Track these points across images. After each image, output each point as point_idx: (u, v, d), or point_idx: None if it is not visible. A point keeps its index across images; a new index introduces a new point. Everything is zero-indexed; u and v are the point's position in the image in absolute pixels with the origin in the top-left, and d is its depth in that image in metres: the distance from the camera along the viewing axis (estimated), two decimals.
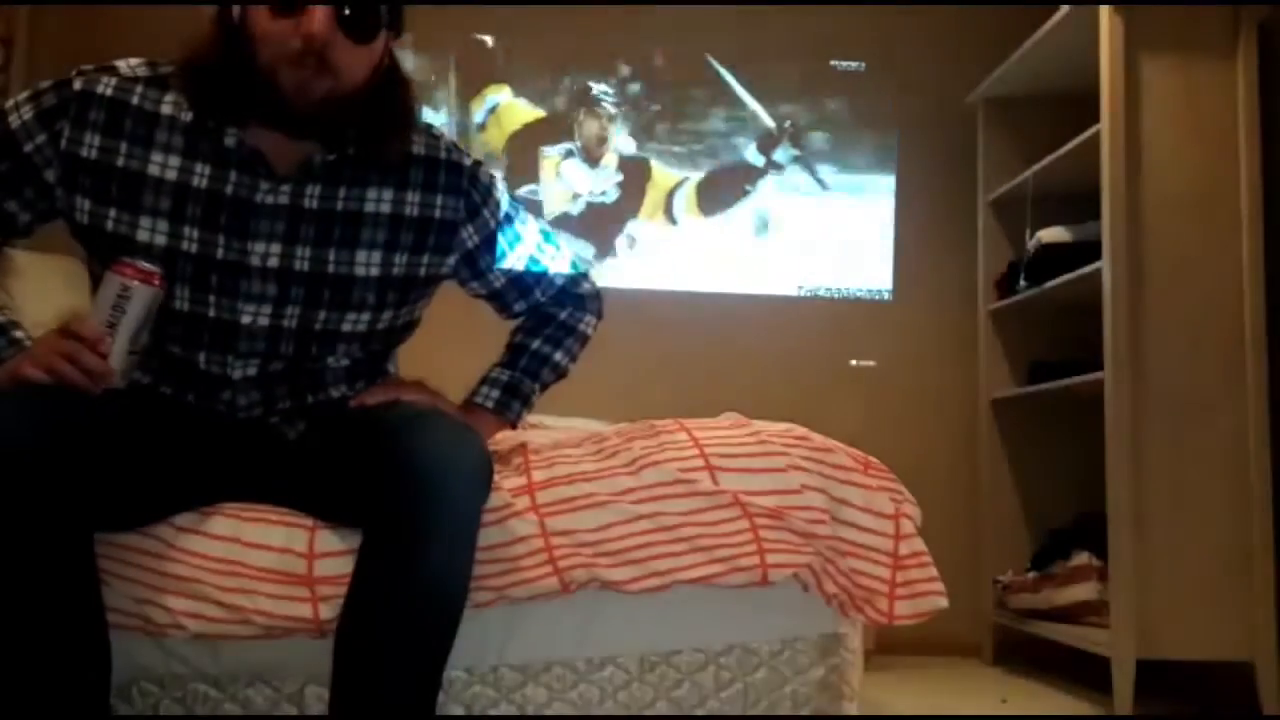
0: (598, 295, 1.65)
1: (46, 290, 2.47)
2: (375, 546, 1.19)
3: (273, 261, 1.30)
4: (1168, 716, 2.50)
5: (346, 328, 1.37)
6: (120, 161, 1.27)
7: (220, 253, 1.29)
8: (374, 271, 1.36)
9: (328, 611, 1.26)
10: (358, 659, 1.16)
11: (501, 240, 1.49)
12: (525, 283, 1.55)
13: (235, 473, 1.36)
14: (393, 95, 1.33)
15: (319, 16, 1.18)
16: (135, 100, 1.29)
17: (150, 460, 1.27)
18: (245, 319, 1.31)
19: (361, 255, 1.34)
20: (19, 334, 1.28)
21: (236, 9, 1.24)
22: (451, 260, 1.45)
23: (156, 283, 1.22)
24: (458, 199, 1.41)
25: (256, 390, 1.36)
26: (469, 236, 1.45)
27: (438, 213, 1.40)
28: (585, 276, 1.63)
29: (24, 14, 2.95)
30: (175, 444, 1.31)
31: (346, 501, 1.28)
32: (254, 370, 1.34)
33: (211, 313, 1.30)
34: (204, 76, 1.25)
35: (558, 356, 1.56)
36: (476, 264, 1.48)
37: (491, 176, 1.48)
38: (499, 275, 1.52)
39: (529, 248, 1.54)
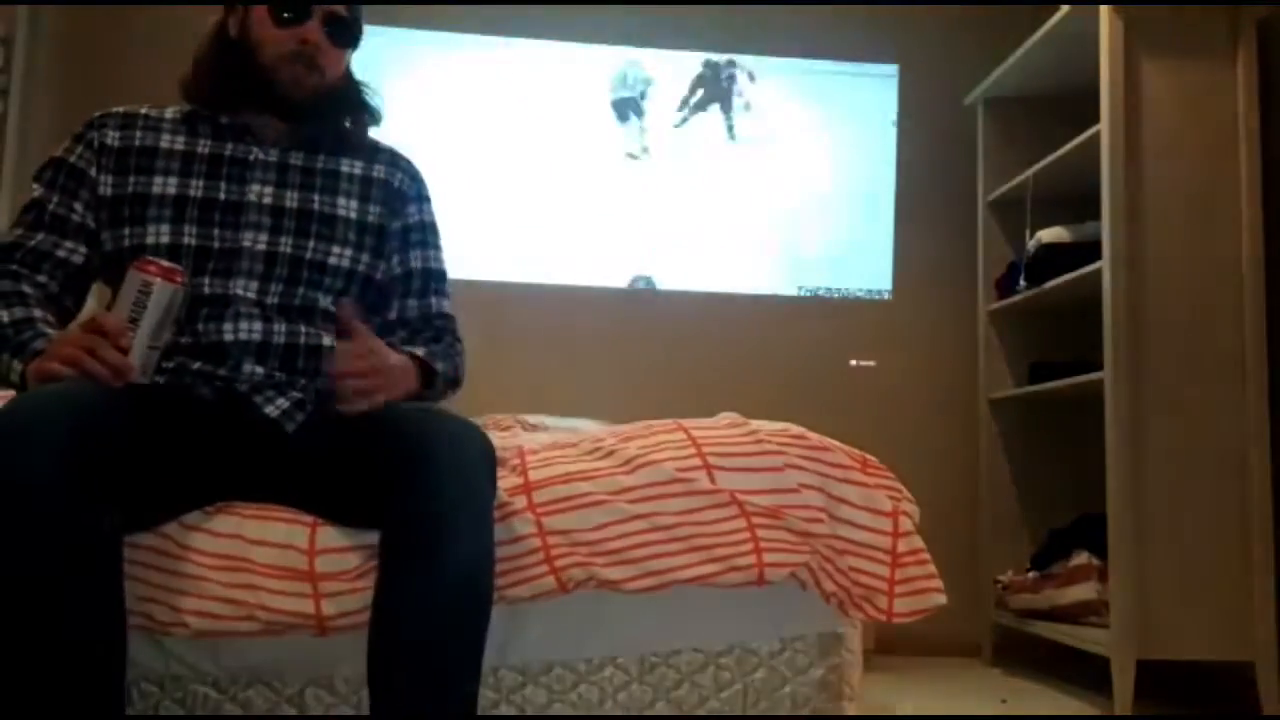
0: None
1: None
2: (401, 542, 1.19)
3: (267, 199, 1.50)
4: (1168, 716, 2.50)
5: (333, 260, 1.52)
6: (137, 142, 1.51)
7: (222, 195, 1.49)
8: (353, 215, 1.56)
9: (329, 608, 1.26)
10: (399, 659, 1.15)
11: (430, 234, 1.66)
12: (428, 284, 1.63)
13: (241, 472, 1.37)
14: (355, 90, 1.62)
15: (313, 27, 1.50)
16: (144, 111, 1.55)
17: (164, 461, 1.28)
18: (245, 242, 1.47)
19: (342, 200, 1.56)
20: (54, 332, 1.37)
21: (234, 23, 1.53)
22: (397, 225, 1.61)
23: (178, 280, 1.29)
24: (411, 181, 1.66)
25: (256, 309, 1.44)
26: (413, 212, 1.64)
27: (396, 182, 1.63)
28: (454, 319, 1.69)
29: (24, 14, 2.95)
30: (187, 444, 1.32)
31: (353, 498, 1.29)
32: (253, 293, 1.45)
33: (216, 244, 1.46)
34: (202, 73, 1.54)
35: (446, 366, 1.56)
36: (408, 236, 1.63)
37: (430, 194, 1.69)
38: (417, 259, 1.62)
39: (441, 261, 1.67)
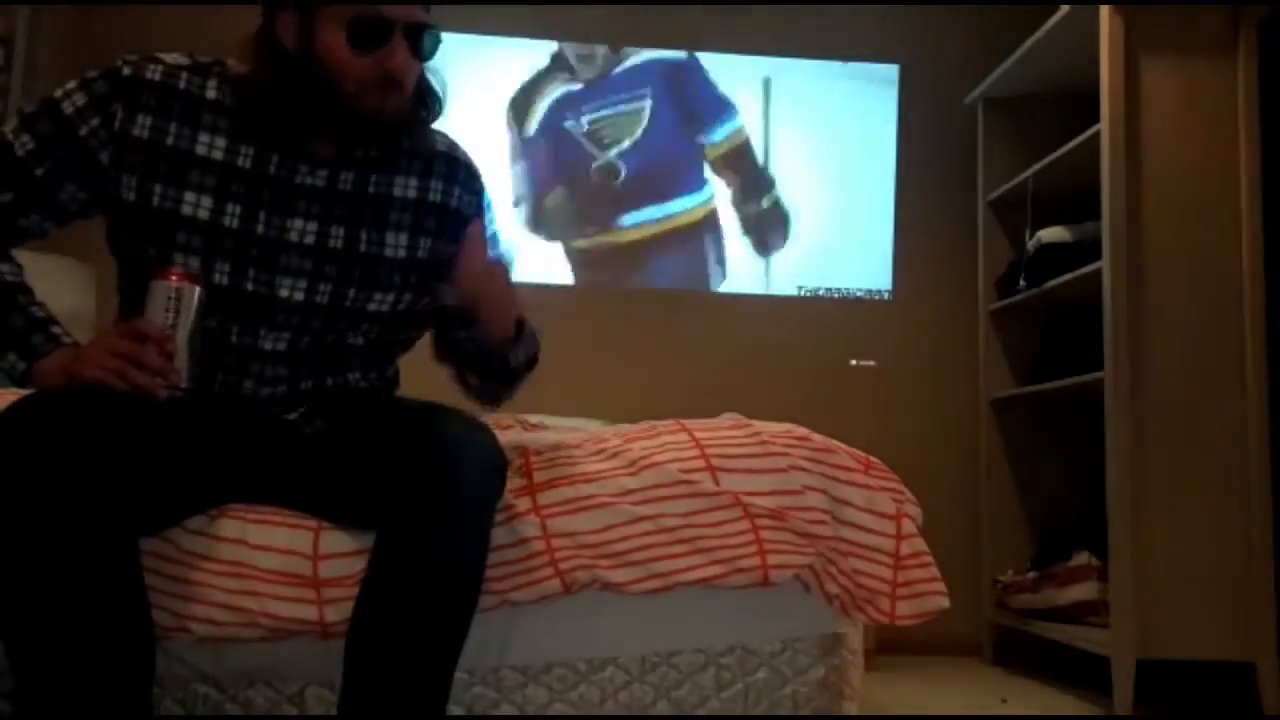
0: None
1: (46, 290, 2.47)
2: (393, 528, 1.19)
3: (309, 239, 1.36)
4: (1168, 716, 2.50)
5: (372, 307, 1.41)
6: (170, 140, 1.32)
7: (261, 228, 1.34)
8: (401, 254, 1.42)
9: (333, 614, 1.26)
10: (373, 646, 1.16)
11: (491, 253, 1.54)
12: None
13: (252, 471, 1.36)
14: (425, 91, 1.42)
15: (399, 50, 1.30)
16: (182, 85, 1.34)
17: (176, 463, 1.27)
18: (282, 292, 1.35)
19: (390, 237, 1.41)
20: (56, 329, 1.31)
21: (286, 31, 1.31)
22: (455, 250, 1.47)
23: (201, 282, 1.25)
24: (471, 196, 1.50)
25: (283, 365, 1.38)
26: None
27: (454, 202, 1.47)
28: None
29: (24, 14, 2.95)
30: (199, 445, 1.31)
31: (361, 495, 1.29)
32: (283, 345, 1.37)
33: (250, 286, 1.34)
34: (268, 103, 1.33)
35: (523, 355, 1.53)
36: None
37: (489, 196, 1.56)
38: None
39: None
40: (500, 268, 1.40)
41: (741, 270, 3.50)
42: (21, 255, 1.42)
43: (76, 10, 3.19)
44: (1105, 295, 2.54)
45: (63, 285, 2.44)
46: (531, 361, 1.53)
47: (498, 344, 1.43)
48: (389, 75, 1.30)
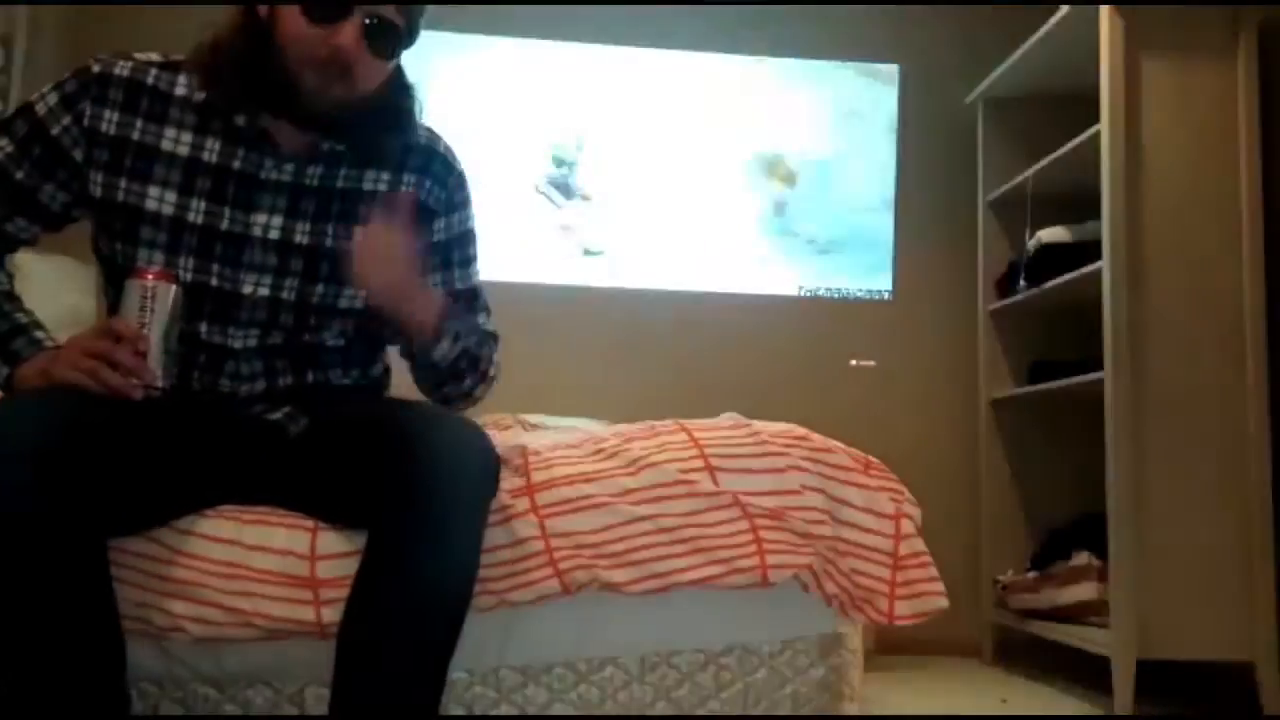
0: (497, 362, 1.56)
1: (46, 290, 2.47)
2: (384, 532, 1.19)
3: (274, 234, 1.35)
4: (1168, 716, 2.50)
5: (343, 303, 1.39)
6: (136, 135, 1.32)
7: (225, 224, 1.33)
8: None
9: (330, 614, 1.26)
10: (363, 649, 1.16)
11: (459, 251, 1.51)
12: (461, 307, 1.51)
13: (239, 473, 1.36)
14: (398, 99, 1.40)
15: (350, 32, 1.26)
16: (150, 80, 1.34)
17: (158, 463, 1.27)
18: (246, 288, 1.34)
19: (359, 233, 1.35)
20: (39, 334, 1.31)
21: (266, 5, 1.30)
22: (419, 246, 1.43)
23: (176, 281, 1.25)
24: (443, 190, 1.47)
25: (259, 360, 1.37)
26: (440, 229, 1.48)
27: (423, 196, 1.45)
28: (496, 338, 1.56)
29: (24, 14, 2.95)
30: (182, 446, 1.31)
31: (351, 497, 1.28)
32: (254, 341, 1.36)
33: (214, 282, 1.33)
34: (222, 60, 1.31)
35: (481, 363, 1.48)
36: (427, 260, 1.46)
37: (469, 192, 1.52)
38: (450, 281, 1.50)
39: (474, 276, 1.54)
40: (401, 261, 1.30)
41: (741, 270, 3.50)
42: (22, 256, 1.43)
43: (76, 10, 3.19)
44: (1105, 295, 2.54)
45: (63, 285, 2.45)
46: (474, 360, 1.45)
47: (418, 344, 1.38)
48: (335, 56, 1.26)
